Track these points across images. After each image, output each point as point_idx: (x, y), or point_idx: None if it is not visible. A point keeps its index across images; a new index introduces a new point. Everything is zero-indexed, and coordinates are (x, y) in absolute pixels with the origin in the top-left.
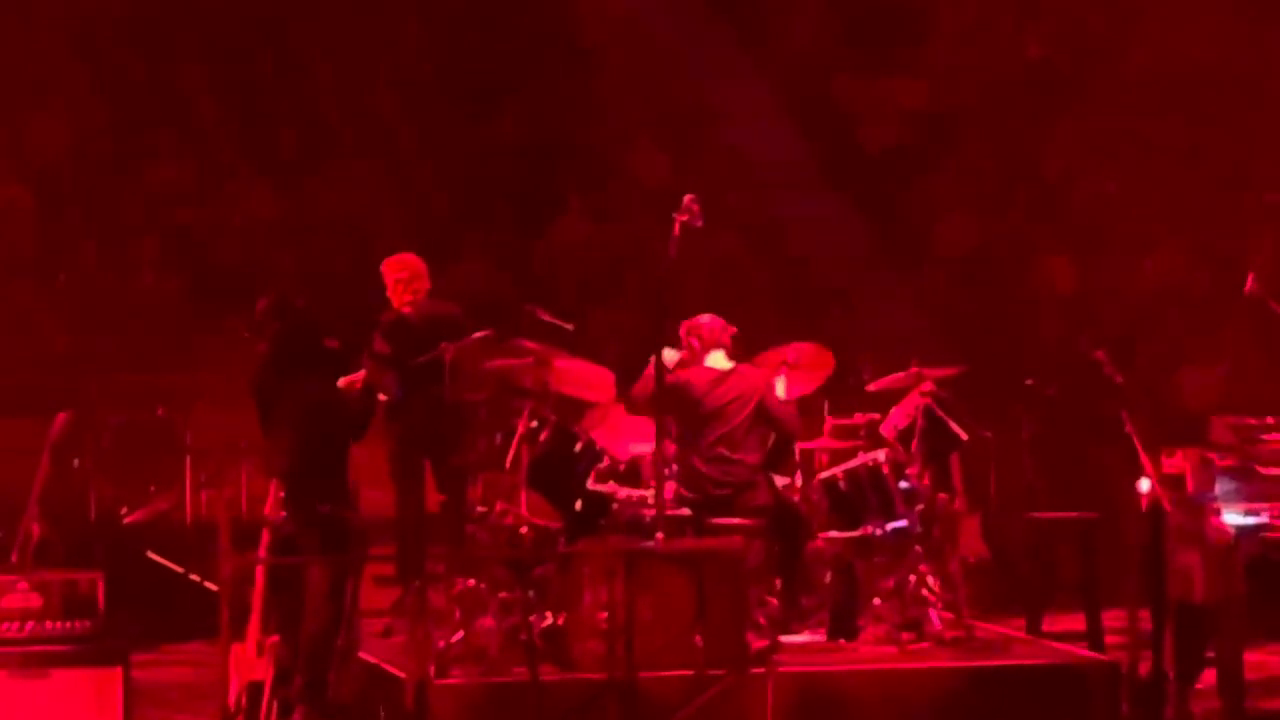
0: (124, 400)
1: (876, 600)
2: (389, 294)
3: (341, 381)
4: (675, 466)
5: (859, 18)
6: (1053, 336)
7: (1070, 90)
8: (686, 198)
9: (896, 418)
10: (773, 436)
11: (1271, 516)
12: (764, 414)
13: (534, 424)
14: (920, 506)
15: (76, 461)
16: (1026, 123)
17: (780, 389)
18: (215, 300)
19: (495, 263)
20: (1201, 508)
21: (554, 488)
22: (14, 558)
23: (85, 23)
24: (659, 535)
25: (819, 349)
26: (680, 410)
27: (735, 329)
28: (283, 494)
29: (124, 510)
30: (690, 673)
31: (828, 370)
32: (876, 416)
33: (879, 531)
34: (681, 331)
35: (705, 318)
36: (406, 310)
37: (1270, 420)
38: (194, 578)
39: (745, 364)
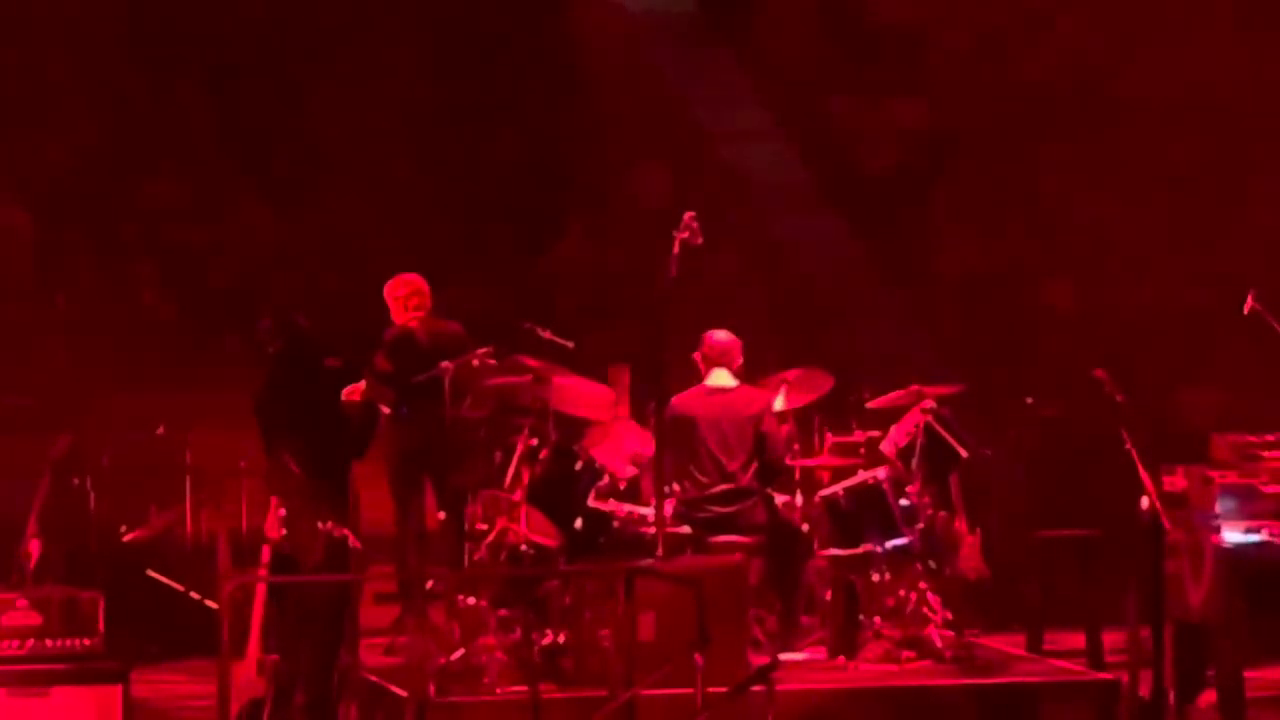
0: (123, 419)
1: (877, 618)
2: (393, 316)
3: (344, 392)
4: (676, 486)
5: (858, 38)
6: (1053, 355)
7: (1069, 110)
8: (686, 215)
9: (897, 436)
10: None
11: (1272, 534)
12: (759, 435)
13: (534, 442)
14: (920, 524)
15: (76, 480)
16: (1026, 143)
17: (779, 402)
18: (214, 319)
19: (494, 282)
20: (1202, 526)
21: (554, 506)
22: (14, 576)
23: (83, 42)
24: (659, 553)
25: (817, 372)
26: (680, 434)
27: (741, 351)
28: (283, 512)
29: (124, 529)
30: (691, 691)
31: (825, 387)
32: (877, 434)
33: (879, 549)
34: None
35: (721, 334)
36: (414, 325)
37: (1270, 438)
38: (194, 596)
39: (748, 385)
